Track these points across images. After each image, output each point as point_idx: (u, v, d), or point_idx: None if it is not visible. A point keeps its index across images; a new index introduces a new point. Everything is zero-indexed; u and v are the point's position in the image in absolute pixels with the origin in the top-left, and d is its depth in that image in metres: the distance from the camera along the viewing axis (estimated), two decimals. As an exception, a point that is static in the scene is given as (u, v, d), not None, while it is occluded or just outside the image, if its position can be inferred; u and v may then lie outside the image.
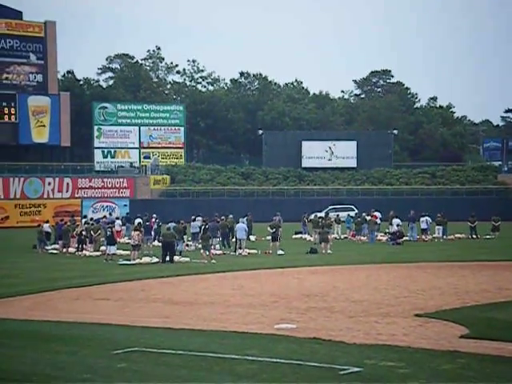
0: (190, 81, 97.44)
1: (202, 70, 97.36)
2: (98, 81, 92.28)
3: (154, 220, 39.48)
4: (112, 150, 74.53)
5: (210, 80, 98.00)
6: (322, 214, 47.24)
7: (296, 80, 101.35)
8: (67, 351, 12.13)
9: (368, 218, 41.94)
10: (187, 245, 35.48)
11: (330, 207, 58.20)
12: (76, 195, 63.76)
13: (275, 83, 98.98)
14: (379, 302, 17.76)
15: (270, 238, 35.18)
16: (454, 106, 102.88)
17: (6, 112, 67.49)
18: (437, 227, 40.98)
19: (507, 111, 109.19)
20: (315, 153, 74.77)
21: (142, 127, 76.05)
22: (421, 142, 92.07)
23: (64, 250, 35.56)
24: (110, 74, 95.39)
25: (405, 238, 39.29)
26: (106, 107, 75.47)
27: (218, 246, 35.06)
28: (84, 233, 35.60)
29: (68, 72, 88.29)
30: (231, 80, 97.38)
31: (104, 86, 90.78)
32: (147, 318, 15.84)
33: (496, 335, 13.00)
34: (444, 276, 23.67)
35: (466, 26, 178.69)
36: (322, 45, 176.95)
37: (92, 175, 67.68)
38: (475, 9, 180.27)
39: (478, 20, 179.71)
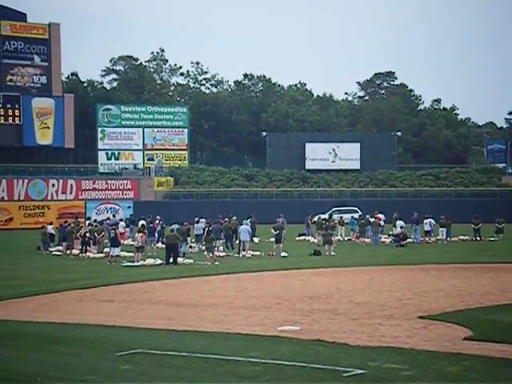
0: (194, 83, 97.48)
1: (206, 72, 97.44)
2: (101, 83, 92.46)
3: (157, 222, 39.54)
4: (116, 152, 74.60)
5: (213, 82, 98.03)
6: (326, 216, 47.38)
7: (300, 82, 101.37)
8: (71, 353, 12.15)
9: (372, 219, 41.91)
10: (191, 246, 35.49)
11: (334, 209, 58.21)
12: (80, 197, 63.84)
13: (279, 85, 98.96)
14: (383, 304, 17.75)
15: (273, 239, 35.17)
16: (458, 108, 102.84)
17: (11, 114, 67.58)
18: (440, 229, 40.94)
19: (511, 113, 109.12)
20: (319, 155, 74.75)
21: (145, 129, 76.12)
22: (424, 143, 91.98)
23: (68, 251, 35.60)
24: (113, 75, 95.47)
25: (408, 240, 39.26)
26: (110, 109, 75.55)
27: (221, 248, 35.05)
28: (88, 234, 35.63)
29: (72, 74, 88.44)
30: (235, 82, 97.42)
31: (108, 88, 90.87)
32: (151, 320, 15.86)
33: (500, 337, 12.99)
34: (448, 278, 23.65)
35: (469, 29, 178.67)
36: (325, 47, 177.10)
37: (96, 177, 67.77)
38: (479, 11, 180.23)
39: (482, 22, 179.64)
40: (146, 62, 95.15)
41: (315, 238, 40.77)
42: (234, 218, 40.06)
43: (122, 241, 35.10)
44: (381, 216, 43.43)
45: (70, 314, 17.18)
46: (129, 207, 61.66)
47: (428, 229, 40.53)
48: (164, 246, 32.19)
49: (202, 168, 75.45)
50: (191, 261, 30.57)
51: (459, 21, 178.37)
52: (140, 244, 30.63)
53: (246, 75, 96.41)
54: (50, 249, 36.93)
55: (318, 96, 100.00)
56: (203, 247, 32.63)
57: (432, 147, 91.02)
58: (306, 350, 12.09)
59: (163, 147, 76.45)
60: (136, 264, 29.65)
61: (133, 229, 41.55)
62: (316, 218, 43.88)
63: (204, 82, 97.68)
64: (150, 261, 30.49)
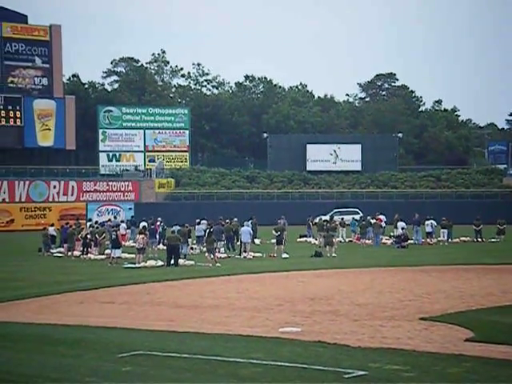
0: (195, 84, 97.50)
1: (207, 74, 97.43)
2: (103, 84, 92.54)
3: (158, 223, 39.54)
4: (117, 154, 74.63)
5: (214, 83, 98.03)
6: (327, 218, 47.33)
7: (301, 83, 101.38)
8: (72, 354, 12.15)
9: (373, 221, 41.91)
10: (192, 248, 35.50)
11: (335, 210, 58.19)
12: (81, 198, 63.89)
13: (280, 86, 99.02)
14: (384, 306, 17.75)
15: (274, 241, 35.17)
16: (459, 110, 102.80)
17: (12, 115, 67.64)
18: (442, 230, 40.92)
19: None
20: (320, 156, 74.77)
21: (146, 130, 76.15)
22: (426, 145, 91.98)
23: (69, 253, 35.60)
24: (115, 77, 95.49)
25: (410, 242, 39.26)
26: (111, 111, 75.59)
27: (222, 250, 35.04)
28: (89, 236, 35.66)
29: (73, 75, 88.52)
30: (236, 83, 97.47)
31: (109, 90, 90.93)
32: (152, 322, 15.86)
33: (501, 339, 12.98)
34: (449, 279, 23.64)
35: (470, 30, 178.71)
36: (326, 48, 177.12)
37: (97, 178, 67.80)
38: (480, 12, 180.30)
39: (483, 24, 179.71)
40: (147, 63, 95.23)
41: (316, 239, 40.75)
42: (235, 219, 40.06)
43: (123, 242, 35.10)
44: (382, 217, 43.46)
45: (71, 315, 17.18)
46: (130, 209, 61.70)
47: (429, 230, 40.51)
48: (165, 247, 32.19)
49: (203, 169, 75.51)
50: (192, 262, 30.56)
51: (460, 22, 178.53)
52: (141, 246, 30.63)
53: (247, 77, 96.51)
54: (52, 250, 36.96)
55: (319, 97, 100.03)
56: (204, 249, 32.65)
57: (433, 148, 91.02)
58: (307, 351, 12.08)
59: (164, 149, 76.48)
60: (137, 266, 29.65)
61: (134, 230, 41.55)
62: (317, 220, 43.89)
63: (205, 83, 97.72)
64: (151, 262, 30.49)
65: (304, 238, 44.24)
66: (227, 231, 36.90)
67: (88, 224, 41.71)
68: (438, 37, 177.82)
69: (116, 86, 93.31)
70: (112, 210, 62.69)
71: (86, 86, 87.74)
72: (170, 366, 11.02)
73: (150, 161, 75.14)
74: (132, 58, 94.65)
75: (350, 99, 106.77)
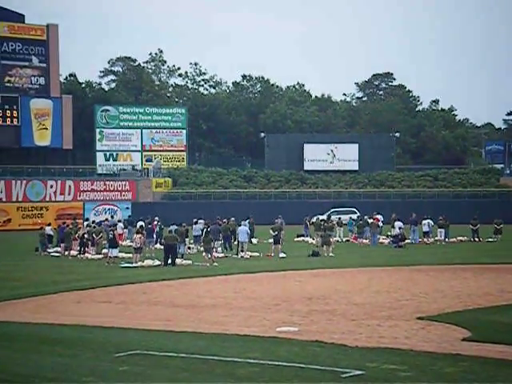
0: (192, 83, 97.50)
1: (204, 73, 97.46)
2: (100, 84, 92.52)
3: (155, 223, 39.52)
4: (114, 153, 74.54)
5: (212, 83, 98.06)
6: (324, 217, 47.38)
7: (298, 83, 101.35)
8: (69, 354, 12.14)
9: (370, 220, 41.92)
10: (189, 247, 35.47)
11: (332, 210, 58.21)
12: (78, 198, 63.86)
13: (277, 86, 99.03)
14: (381, 305, 17.75)
15: (271, 240, 35.16)
16: (456, 109, 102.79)
17: (9, 115, 67.51)
18: (439, 230, 40.95)
19: (509, 114, 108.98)
20: (317, 155, 74.76)
21: (144, 130, 76.07)
22: (423, 144, 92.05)
23: (66, 252, 35.55)
24: (112, 76, 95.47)
25: (407, 241, 39.30)
26: (108, 110, 75.50)
27: (219, 249, 35.04)
28: (86, 236, 35.64)
29: (70, 75, 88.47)
30: (233, 83, 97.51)
31: (106, 89, 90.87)
32: (149, 321, 15.84)
33: (498, 338, 12.98)
34: (446, 279, 23.65)
35: (467, 29, 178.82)
36: (323, 48, 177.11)
37: (94, 178, 67.77)
38: (477, 12, 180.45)
39: (480, 23, 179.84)
40: (144, 62, 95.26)
41: (313, 238, 40.76)
42: (233, 218, 40.08)
43: (120, 242, 35.10)
44: (379, 217, 43.47)
45: (68, 315, 17.16)
46: (127, 208, 61.64)
47: (426, 230, 40.54)
48: (162, 247, 32.16)
49: (201, 169, 75.48)
50: (189, 262, 30.55)
51: (457, 21, 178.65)
52: (138, 245, 30.61)
53: (244, 76, 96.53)
54: (49, 250, 36.92)
55: (316, 97, 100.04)
56: (201, 248, 32.61)
57: (430, 148, 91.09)
58: (305, 350, 12.08)
59: (161, 148, 76.41)
60: (134, 265, 29.64)
61: (131, 230, 41.54)
62: (314, 219, 43.88)
63: (202, 82, 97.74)
64: (148, 262, 30.47)
65: (301, 238, 44.24)
66: (224, 231, 36.90)
67: (85, 223, 41.67)
68: (435, 36, 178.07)
69: (113, 85, 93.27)
70: (109, 209, 62.64)
71: (83, 85, 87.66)
72: (166, 366, 11.01)
73: (147, 160, 75.08)
74: (129, 58, 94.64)
75: (348, 99, 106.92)
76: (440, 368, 10.64)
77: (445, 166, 77.39)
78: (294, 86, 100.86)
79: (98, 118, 74.59)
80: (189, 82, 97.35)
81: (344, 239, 43.04)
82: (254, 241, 40.26)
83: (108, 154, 74.31)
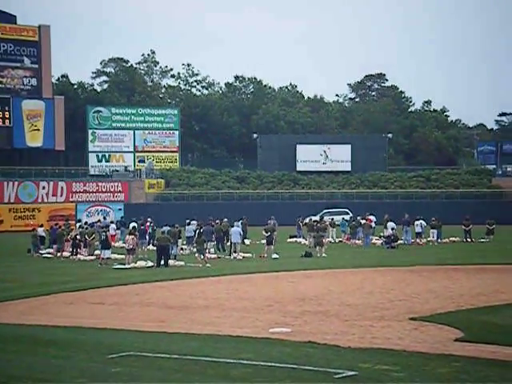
0: (185, 85, 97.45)
1: (197, 74, 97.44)
2: (92, 85, 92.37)
3: (148, 224, 39.49)
4: (106, 154, 74.45)
5: (204, 84, 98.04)
6: (317, 218, 47.33)
7: (291, 84, 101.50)
8: (62, 355, 12.11)
9: (363, 221, 41.98)
10: (182, 249, 35.45)
11: (325, 211, 58.20)
12: (70, 199, 63.75)
13: (270, 87, 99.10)
14: (374, 306, 17.76)
15: (264, 241, 35.14)
16: (449, 110, 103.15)
17: (1, 116, 67.34)
18: (431, 231, 41.04)
19: (501, 115, 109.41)
20: (310, 156, 74.80)
21: (136, 131, 75.98)
22: (415, 145, 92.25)
23: (58, 254, 35.49)
24: (104, 77, 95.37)
25: (399, 242, 39.36)
26: (101, 111, 75.39)
27: (212, 250, 35.04)
28: (78, 237, 35.58)
29: (62, 76, 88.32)
30: (226, 84, 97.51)
31: (98, 90, 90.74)
32: (142, 322, 15.82)
33: (491, 338, 13.00)
34: (439, 279, 23.70)
35: (460, 30, 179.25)
36: (316, 48, 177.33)
37: (86, 179, 67.64)
38: (469, 14, 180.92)
39: (472, 24, 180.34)
40: (136, 63, 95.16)
41: (306, 239, 40.80)
42: (225, 219, 40.08)
43: (112, 243, 35.05)
44: (372, 218, 43.54)
45: (60, 316, 17.12)
46: (120, 209, 61.58)
47: (419, 230, 40.60)
48: (155, 248, 32.12)
49: (193, 170, 75.44)
50: (182, 263, 30.53)
51: (451, 22, 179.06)
52: (131, 246, 30.58)
53: (236, 77, 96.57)
54: (41, 251, 36.84)
55: (308, 98, 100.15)
56: (194, 249, 32.62)
57: (423, 149, 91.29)
58: (297, 351, 12.07)
59: (154, 149, 76.35)
60: (127, 266, 29.60)
61: (124, 231, 41.49)
62: (307, 220, 43.89)
63: (195, 83, 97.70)
64: (141, 263, 30.44)
65: (294, 239, 44.27)
66: (217, 232, 36.90)
67: (77, 225, 41.63)
68: (428, 37, 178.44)
69: (105, 86, 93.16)
70: (102, 210, 62.57)
71: (75, 86, 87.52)
72: (159, 367, 11.00)
73: (139, 161, 75.00)
74: (121, 59, 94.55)
75: (340, 100, 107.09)
76: (433, 368, 10.65)
77: (437, 167, 77.57)
78: (286, 87, 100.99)
79: (91, 119, 74.48)
80: (181, 83, 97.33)
81: (337, 240, 43.09)
82: (247, 242, 40.26)
83: (100, 155, 74.21)
